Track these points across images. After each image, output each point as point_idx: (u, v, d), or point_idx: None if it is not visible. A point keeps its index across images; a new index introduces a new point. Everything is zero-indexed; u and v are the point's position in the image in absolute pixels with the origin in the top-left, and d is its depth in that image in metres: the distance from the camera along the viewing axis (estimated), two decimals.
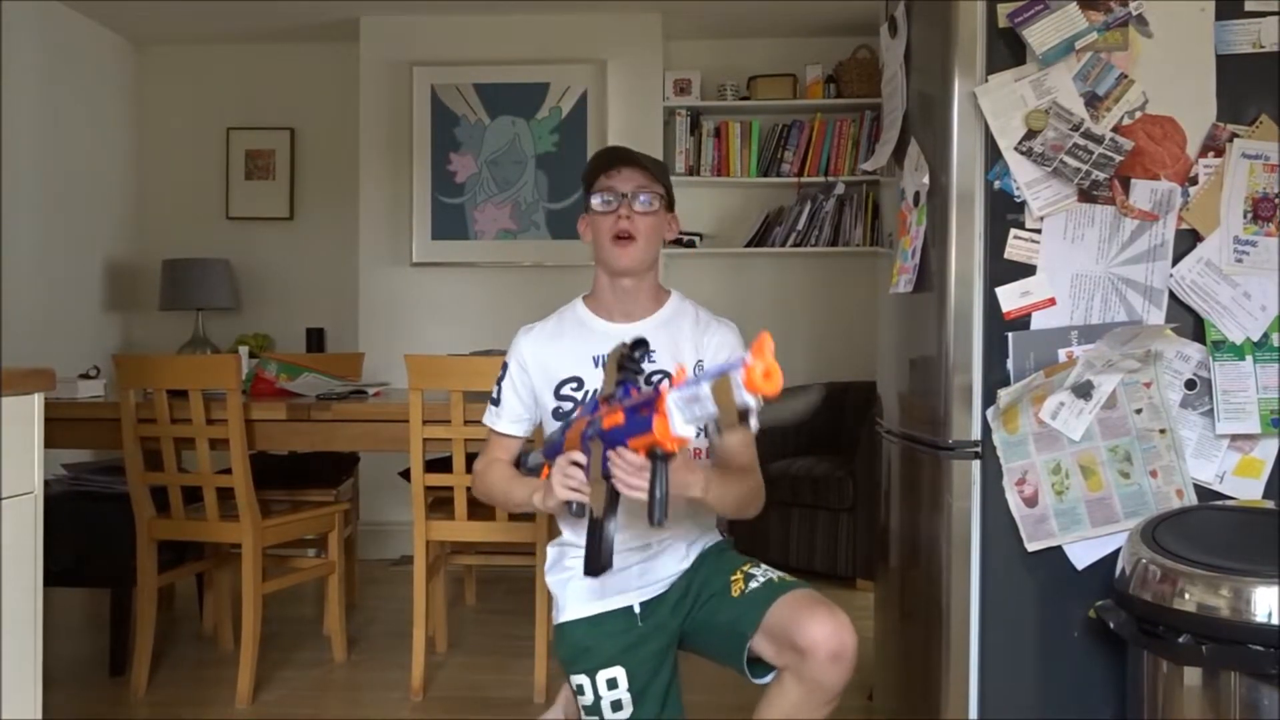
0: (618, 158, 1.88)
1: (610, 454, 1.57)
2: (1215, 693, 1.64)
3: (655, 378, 1.85)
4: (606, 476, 1.58)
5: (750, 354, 1.34)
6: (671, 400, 1.46)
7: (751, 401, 1.37)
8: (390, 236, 4.67)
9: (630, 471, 1.54)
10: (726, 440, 1.85)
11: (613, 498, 1.60)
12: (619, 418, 1.57)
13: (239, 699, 2.81)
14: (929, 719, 2.05)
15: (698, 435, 1.82)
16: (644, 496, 1.54)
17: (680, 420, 1.46)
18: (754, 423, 1.39)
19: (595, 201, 1.88)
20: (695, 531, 1.91)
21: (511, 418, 1.96)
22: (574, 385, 1.89)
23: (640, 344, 1.73)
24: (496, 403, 1.98)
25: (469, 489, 2.81)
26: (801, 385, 4.56)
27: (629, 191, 1.86)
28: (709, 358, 1.90)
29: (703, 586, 1.84)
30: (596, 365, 1.88)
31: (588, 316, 1.95)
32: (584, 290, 2.00)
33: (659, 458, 1.54)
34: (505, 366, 1.97)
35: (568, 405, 1.89)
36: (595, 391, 1.83)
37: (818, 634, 1.65)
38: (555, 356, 1.92)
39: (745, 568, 1.84)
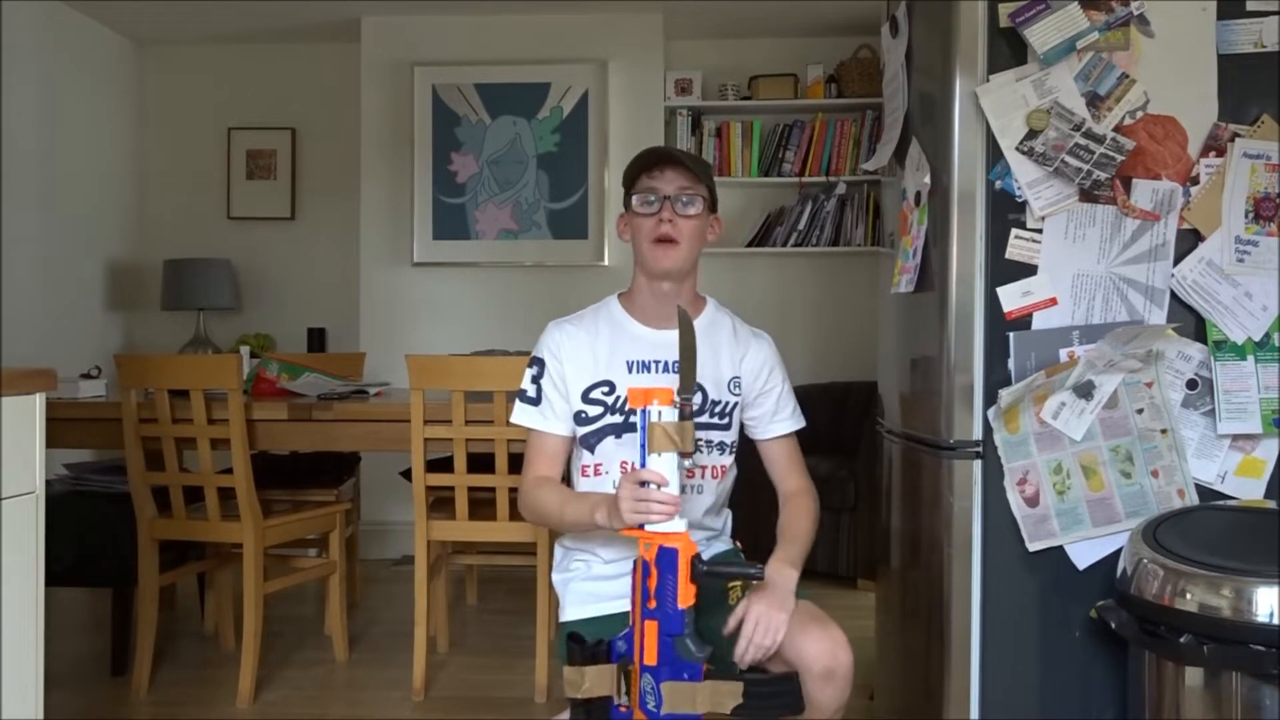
0: (661, 157, 1.82)
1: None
2: (1217, 693, 1.64)
3: None
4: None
5: (634, 406, 1.60)
6: (652, 528, 1.55)
7: (670, 412, 1.56)
8: (391, 236, 4.67)
9: (652, 505, 1.56)
10: (773, 455, 1.94)
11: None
12: (653, 634, 1.56)
13: (240, 698, 2.81)
14: (930, 719, 2.05)
15: (698, 452, 1.85)
16: (669, 511, 1.57)
17: (674, 524, 1.55)
18: (692, 407, 1.59)
19: (636, 202, 1.83)
20: (704, 540, 1.90)
21: (557, 415, 1.87)
22: (605, 390, 1.85)
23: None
24: (536, 401, 1.88)
25: (471, 488, 2.84)
26: (803, 385, 4.56)
27: (672, 193, 1.81)
28: (747, 379, 1.91)
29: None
30: (630, 371, 1.85)
31: (623, 318, 1.90)
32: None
33: (700, 570, 1.56)
34: (539, 362, 1.88)
35: (595, 410, 1.85)
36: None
37: (810, 651, 1.63)
38: (588, 357, 1.87)
39: None
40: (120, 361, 2.83)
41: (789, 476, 1.94)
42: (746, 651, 1.63)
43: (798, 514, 1.88)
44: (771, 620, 1.63)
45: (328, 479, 3.35)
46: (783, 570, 1.72)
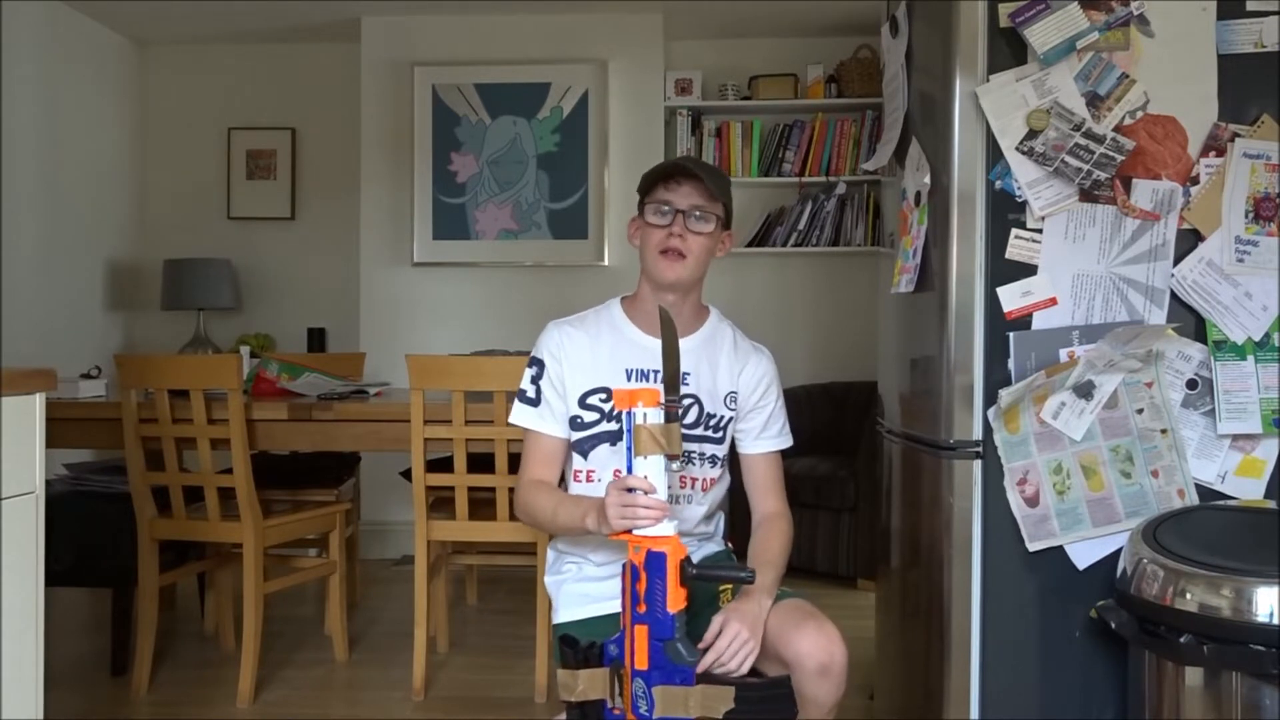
0: (680, 170, 1.80)
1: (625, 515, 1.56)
2: (1217, 693, 1.64)
3: (687, 401, 1.83)
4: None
5: (620, 408, 1.59)
6: (640, 532, 1.55)
7: (655, 414, 1.55)
8: (391, 236, 4.67)
9: (638, 511, 1.55)
10: (755, 469, 1.92)
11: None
12: (643, 638, 1.55)
13: (240, 698, 2.81)
14: (930, 719, 2.05)
15: (683, 464, 1.82)
16: (655, 516, 1.56)
17: (662, 528, 1.54)
18: (678, 409, 1.59)
19: (649, 211, 1.82)
20: (695, 542, 1.91)
21: (555, 416, 1.85)
22: (602, 396, 1.83)
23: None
24: (535, 402, 1.86)
25: (471, 488, 2.84)
26: (803, 385, 4.56)
27: (685, 208, 1.79)
28: (743, 393, 1.90)
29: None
30: (630, 379, 1.83)
31: (624, 324, 1.89)
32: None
33: (688, 573, 1.55)
34: (538, 363, 1.87)
35: (591, 416, 1.84)
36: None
37: (805, 647, 1.62)
38: (588, 361, 1.85)
39: None
40: (120, 361, 2.83)
41: (768, 496, 1.92)
42: (712, 666, 1.59)
43: (771, 537, 1.86)
44: (745, 645, 1.61)
45: (328, 479, 3.35)
46: (761, 600, 1.69)
